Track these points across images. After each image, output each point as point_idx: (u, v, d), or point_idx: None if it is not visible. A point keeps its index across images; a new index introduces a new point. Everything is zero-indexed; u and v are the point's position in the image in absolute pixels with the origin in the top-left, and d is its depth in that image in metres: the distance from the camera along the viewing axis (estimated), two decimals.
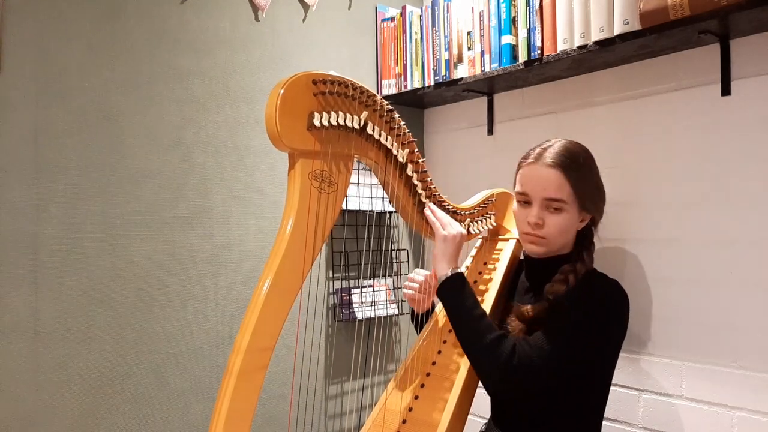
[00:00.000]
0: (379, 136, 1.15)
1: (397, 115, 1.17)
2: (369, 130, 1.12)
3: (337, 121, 1.06)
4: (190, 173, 1.76)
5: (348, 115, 1.08)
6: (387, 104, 1.15)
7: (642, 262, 1.73)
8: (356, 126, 1.10)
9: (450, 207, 1.38)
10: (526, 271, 1.39)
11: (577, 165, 1.22)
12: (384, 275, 2.22)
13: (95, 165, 1.59)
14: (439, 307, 1.47)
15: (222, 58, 1.82)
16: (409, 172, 1.23)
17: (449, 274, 1.26)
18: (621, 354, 1.72)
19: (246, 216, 1.87)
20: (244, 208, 1.87)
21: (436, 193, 1.33)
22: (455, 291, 1.24)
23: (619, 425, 1.76)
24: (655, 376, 1.70)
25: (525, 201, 1.26)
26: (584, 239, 1.29)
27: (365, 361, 2.19)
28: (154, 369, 1.69)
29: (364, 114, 1.11)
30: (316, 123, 1.03)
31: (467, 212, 1.44)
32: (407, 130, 1.20)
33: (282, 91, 0.99)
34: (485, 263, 1.51)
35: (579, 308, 1.18)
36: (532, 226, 1.24)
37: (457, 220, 1.40)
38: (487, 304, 1.37)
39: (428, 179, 1.29)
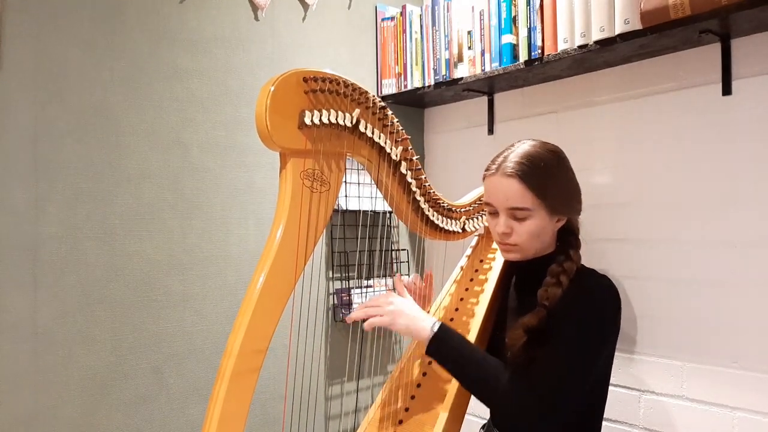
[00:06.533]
0: (372, 133, 1.13)
1: (390, 113, 1.16)
2: (361, 127, 1.11)
3: (328, 119, 1.05)
4: (190, 173, 1.76)
5: (340, 113, 1.07)
6: (380, 101, 1.14)
7: (642, 263, 1.71)
8: (348, 124, 1.09)
9: (445, 205, 1.38)
10: (515, 273, 1.38)
11: (539, 170, 1.19)
12: (384, 275, 2.21)
13: (95, 164, 1.59)
14: (435, 306, 1.46)
15: (221, 58, 1.82)
16: (402, 169, 1.22)
17: (431, 333, 1.18)
18: (622, 355, 1.73)
19: (246, 216, 1.87)
20: (244, 207, 1.87)
21: (431, 191, 1.31)
22: (445, 345, 1.19)
23: (619, 426, 1.75)
24: (655, 377, 1.69)
25: (492, 212, 1.25)
26: (569, 236, 1.26)
27: (370, 361, 2.18)
28: (154, 369, 1.69)
29: (356, 111, 1.09)
30: (307, 121, 1.02)
31: (463, 210, 1.44)
32: (401, 128, 1.19)
33: (272, 89, 0.98)
34: (481, 261, 1.50)
35: (576, 325, 1.15)
36: (500, 235, 1.23)
37: (452, 218, 1.40)
38: (483, 302, 1.36)
39: (422, 176, 1.27)
